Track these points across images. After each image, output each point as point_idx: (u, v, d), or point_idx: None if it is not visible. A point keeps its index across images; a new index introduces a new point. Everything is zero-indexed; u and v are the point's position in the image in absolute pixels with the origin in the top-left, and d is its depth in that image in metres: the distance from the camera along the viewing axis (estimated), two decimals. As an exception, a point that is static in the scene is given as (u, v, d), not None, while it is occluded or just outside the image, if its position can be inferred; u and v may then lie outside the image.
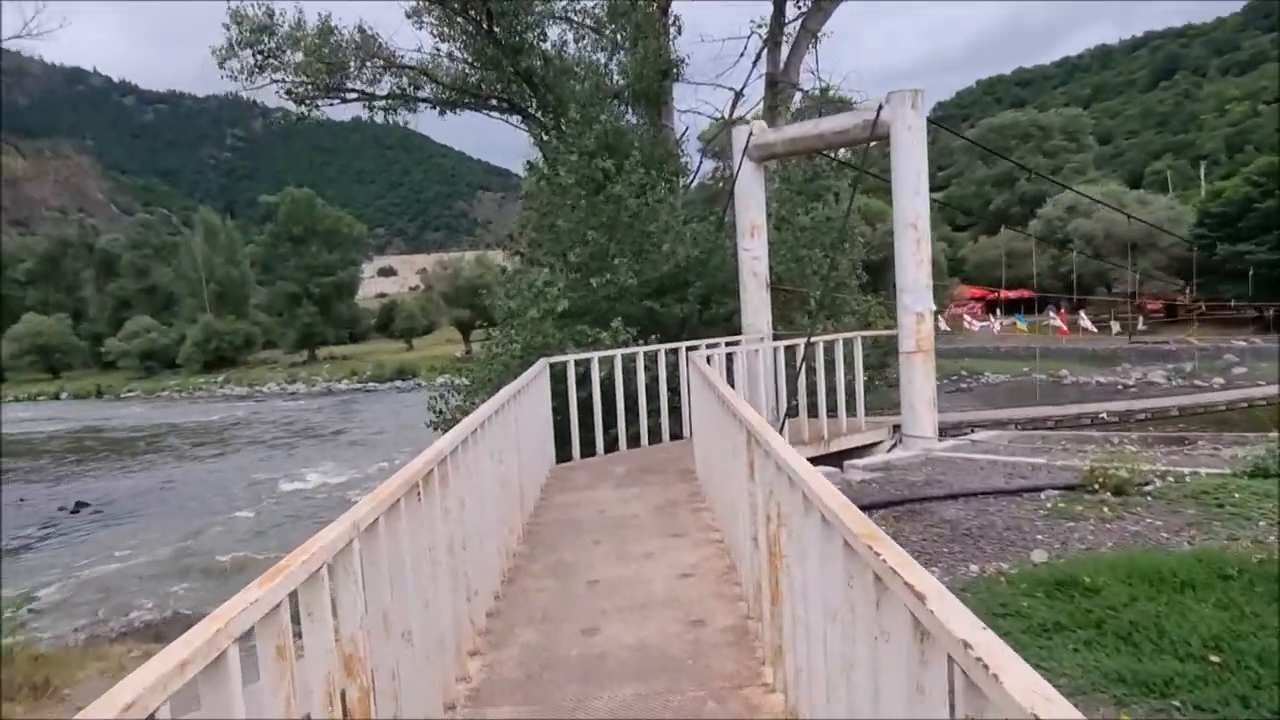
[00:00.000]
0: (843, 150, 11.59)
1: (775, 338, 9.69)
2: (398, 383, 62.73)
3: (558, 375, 8.20)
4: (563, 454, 8.26)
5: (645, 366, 8.71)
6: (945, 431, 8.99)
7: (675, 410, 8.98)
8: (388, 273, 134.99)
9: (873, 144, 9.75)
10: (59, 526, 26.06)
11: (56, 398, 75.46)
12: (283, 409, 54.95)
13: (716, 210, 12.26)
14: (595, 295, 9.99)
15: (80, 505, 28.93)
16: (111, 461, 38.60)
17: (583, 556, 5.13)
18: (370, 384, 64.21)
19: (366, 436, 39.33)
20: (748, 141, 9.34)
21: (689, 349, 9.04)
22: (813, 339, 8.37)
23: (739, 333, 10.77)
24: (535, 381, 6.93)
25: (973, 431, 9.51)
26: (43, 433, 50.88)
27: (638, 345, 9.05)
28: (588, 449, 8.47)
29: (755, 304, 9.63)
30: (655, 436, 8.90)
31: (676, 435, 9.01)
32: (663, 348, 8.84)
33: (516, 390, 5.70)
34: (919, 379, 8.52)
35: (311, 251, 78.21)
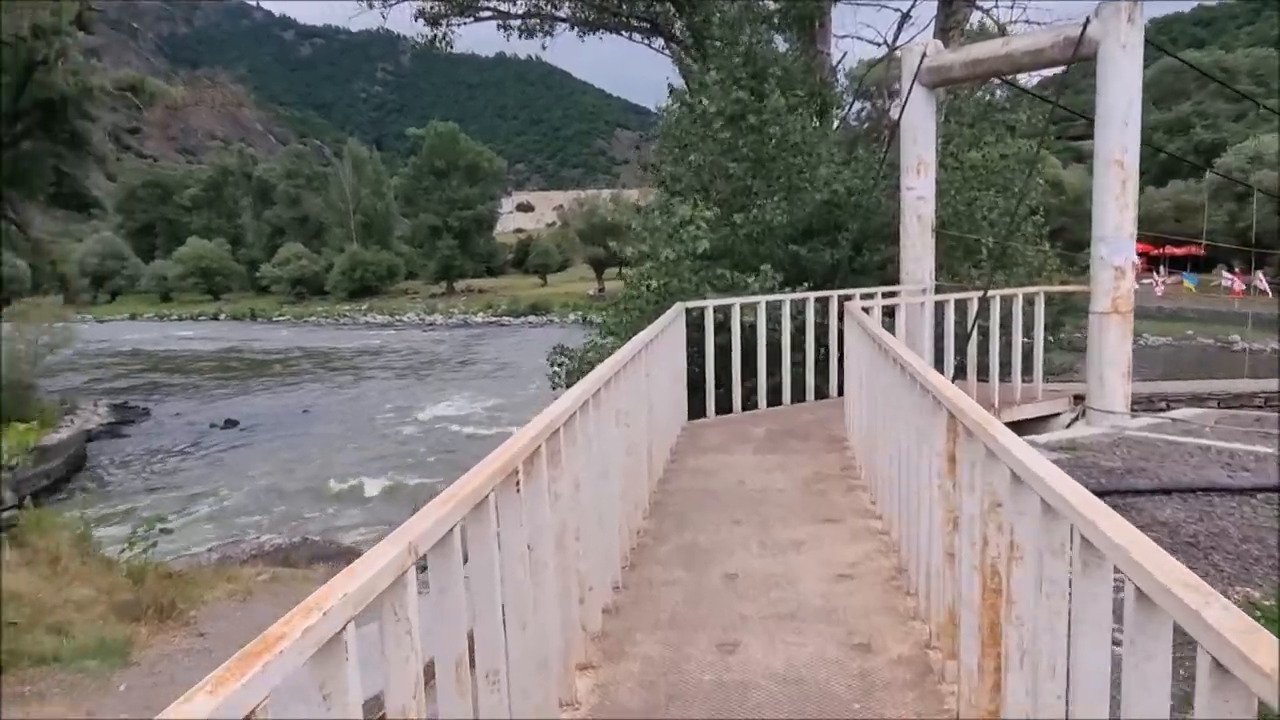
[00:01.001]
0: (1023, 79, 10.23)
1: (937, 290, 8.61)
2: (530, 318, 63.30)
3: (693, 322, 7.43)
4: (695, 409, 7.51)
5: (791, 316, 7.82)
6: (1136, 406, 7.77)
7: (821, 366, 8.07)
8: (525, 208, 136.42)
9: (1062, 70, 8.45)
10: (208, 441, 27.34)
11: (215, 318, 79.74)
12: (419, 339, 56.34)
13: (875, 145, 11.11)
14: (736, 236, 9.10)
15: (230, 422, 30.35)
16: (259, 381, 40.39)
17: (719, 539, 4.38)
18: (504, 318, 64.99)
19: (498, 370, 39.76)
20: (920, 64, 8.16)
21: (841, 298, 8.08)
22: (989, 293, 7.26)
23: (893, 283, 9.68)
24: (670, 328, 6.16)
25: (1168, 408, 8.21)
26: (200, 351, 53.81)
27: (783, 292, 8.14)
28: (723, 405, 7.68)
29: (917, 251, 8.53)
30: (798, 394, 8.02)
31: (822, 394, 8.11)
32: (811, 296, 7.90)
33: (649, 339, 4.95)
34: (1112, 344, 7.30)
35: (453, 185, 79.33)
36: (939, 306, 7.40)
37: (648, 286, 8.49)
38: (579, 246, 76.20)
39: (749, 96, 9.59)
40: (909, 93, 8.25)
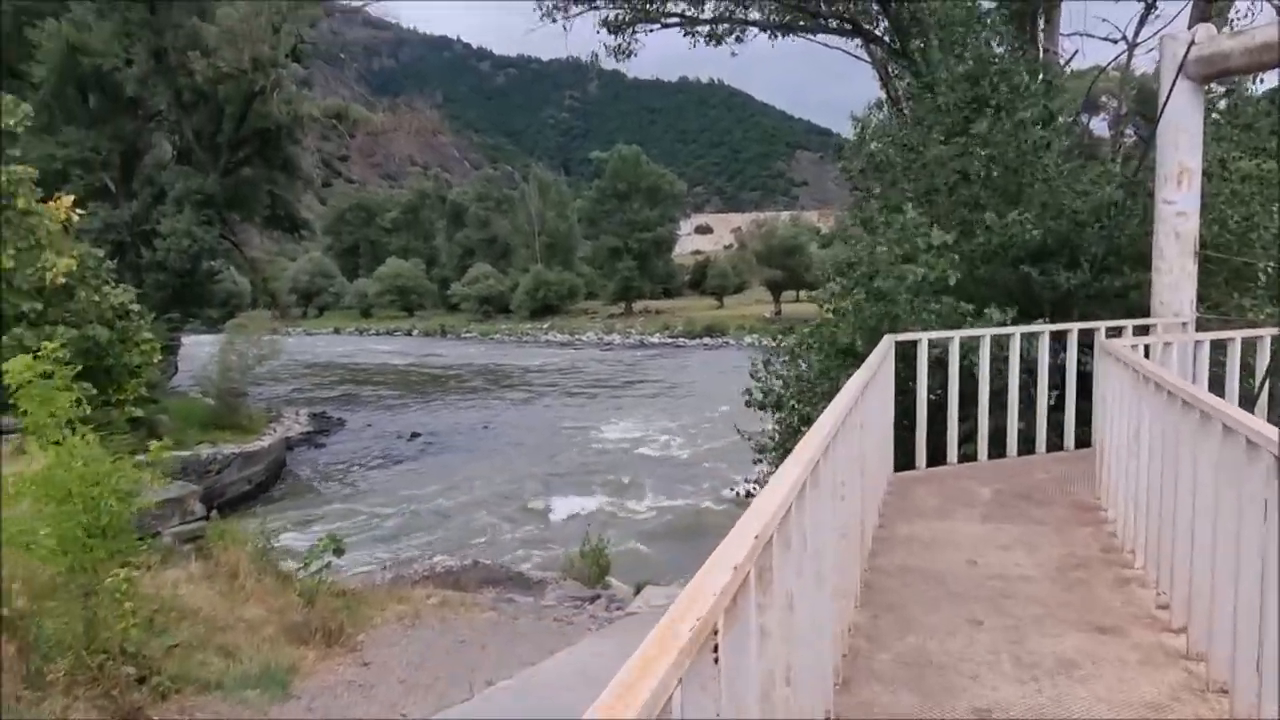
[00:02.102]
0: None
1: (1200, 324, 7.14)
2: (706, 339, 62.88)
3: (901, 357, 6.38)
4: (900, 458, 6.45)
5: (1021, 354, 6.61)
6: None
7: (1054, 412, 6.80)
8: (704, 230, 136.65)
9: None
10: (394, 453, 28.30)
11: (409, 334, 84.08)
12: (597, 358, 56.93)
13: (1119, 154, 9.67)
14: (963, 258, 7.94)
15: (415, 435, 31.40)
16: (444, 395, 41.78)
17: (955, 648, 3.36)
18: (680, 339, 64.92)
19: (674, 391, 39.38)
20: (1186, 53, 6.79)
21: (1083, 333, 6.80)
22: None
23: (1139, 313, 8.22)
24: (881, 368, 5.18)
25: None
26: (393, 365, 56.51)
27: (1013, 325, 6.93)
28: (934, 454, 6.57)
29: (1174, 276, 7.10)
30: (1026, 445, 6.78)
31: (1055, 446, 6.83)
32: (1046, 330, 6.66)
33: (864, 381, 4.01)
34: None
35: (634, 207, 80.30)
36: (1215, 347, 5.97)
37: (853, 311, 7.50)
38: (756, 268, 75.30)
39: (973, 101, 8.45)
40: (1171, 87, 6.88)
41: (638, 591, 13.75)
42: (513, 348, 68.05)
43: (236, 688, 7.72)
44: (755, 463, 10.54)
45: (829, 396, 8.93)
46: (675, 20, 13.68)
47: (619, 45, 14.14)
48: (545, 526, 19.84)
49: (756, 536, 1.63)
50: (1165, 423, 3.60)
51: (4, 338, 11.80)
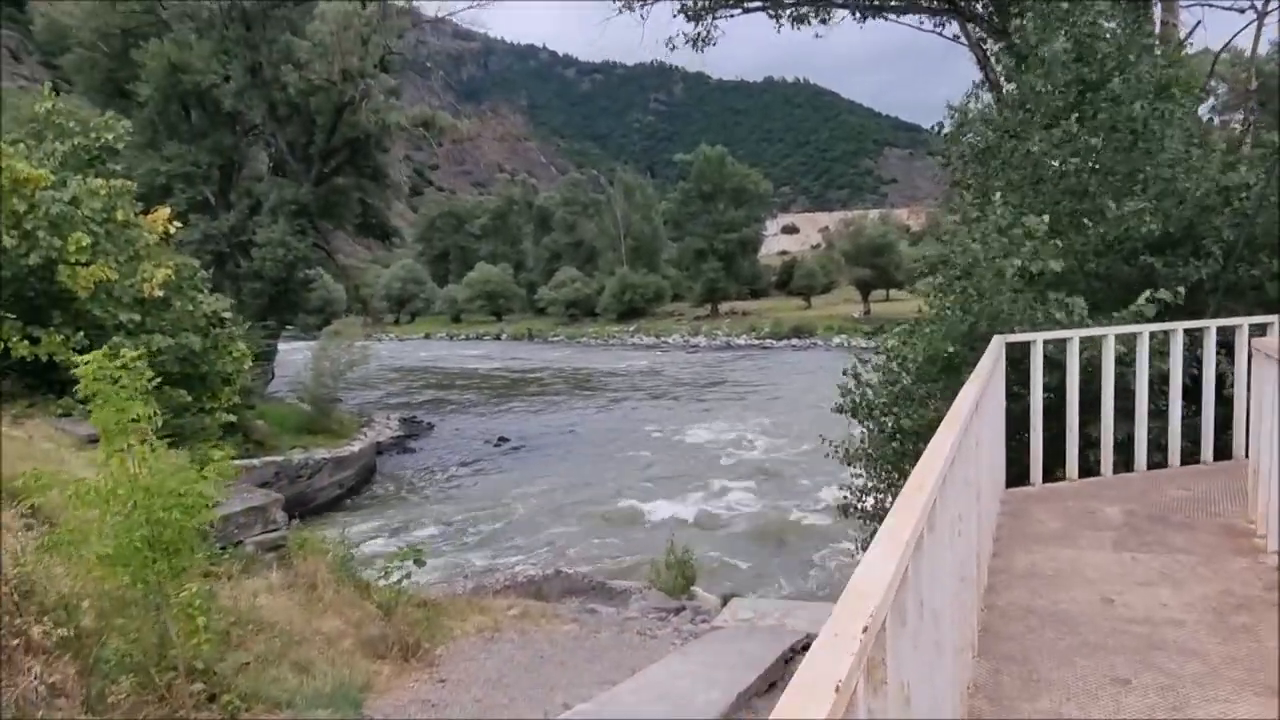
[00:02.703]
0: None
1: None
2: (793, 341, 61.93)
3: (1013, 360, 5.74)
4: (1013, 472, 5.80)
5: (1152, 354, 5.88)
6: None
7: (1188, 420, 6.04)
8: (790, 230, 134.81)
9: None
10: (482, 458, 28.43)
11: (497, 338, 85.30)
12: (683, 360, 56.54)
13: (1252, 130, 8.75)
14: (1072, 250, 7.19)
15: (502, 440, 31.58)
16: (532, 399, 41.99)
17: (1100, 715, 2.78)
18: (767, 340, 64.09)
19: (761, 393, 38.69)
20: (1340, 13, 5.95)
21: (1222, 330, 6.04)
22: None
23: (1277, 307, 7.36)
24: (994, 375, 4.59)
25: None
26: (482, 369, 57.12)
27: (1141, 322, 6.18)
28: (1052, 468, 5.89)
29: (1329, 265, 6.27)
30: (1157, 457, 6.04)
31: (1192, 458, 6.07)
32: (1180, 327, 5.91)
33: (976, 396, 3.45)
34: None
35: (719, 209, 79.71)
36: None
37: (954, 311, 6.86)
38: (844, 268, 73.80)
39: (1080, 81, 7.68)
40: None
41: (724, 603, 13.30)
42: (599, 351, 68.18)
43: (308, 706, 7.50)
44: (849, 465, 9.90)
45: (925, 403, 8.31)
46: (757, 4, 13.04)
47: (698, 34, 13.60)
48: (630, 533, 19.52)
49: (865, 630, 1.14)
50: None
51: (104, 348, 12.03)
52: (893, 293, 67.59)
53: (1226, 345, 6.25)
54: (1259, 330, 6.16)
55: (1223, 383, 6.23)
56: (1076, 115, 7.65)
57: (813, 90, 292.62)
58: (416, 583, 14.73)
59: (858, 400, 8.93)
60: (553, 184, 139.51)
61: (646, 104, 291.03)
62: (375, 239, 48.82)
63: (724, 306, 79.75)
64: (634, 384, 45.99)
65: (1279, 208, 7.34)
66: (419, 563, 12.20)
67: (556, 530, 19.62)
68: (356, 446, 25.94)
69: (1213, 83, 14.36)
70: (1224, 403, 6.20)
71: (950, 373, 7.49)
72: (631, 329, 77.76)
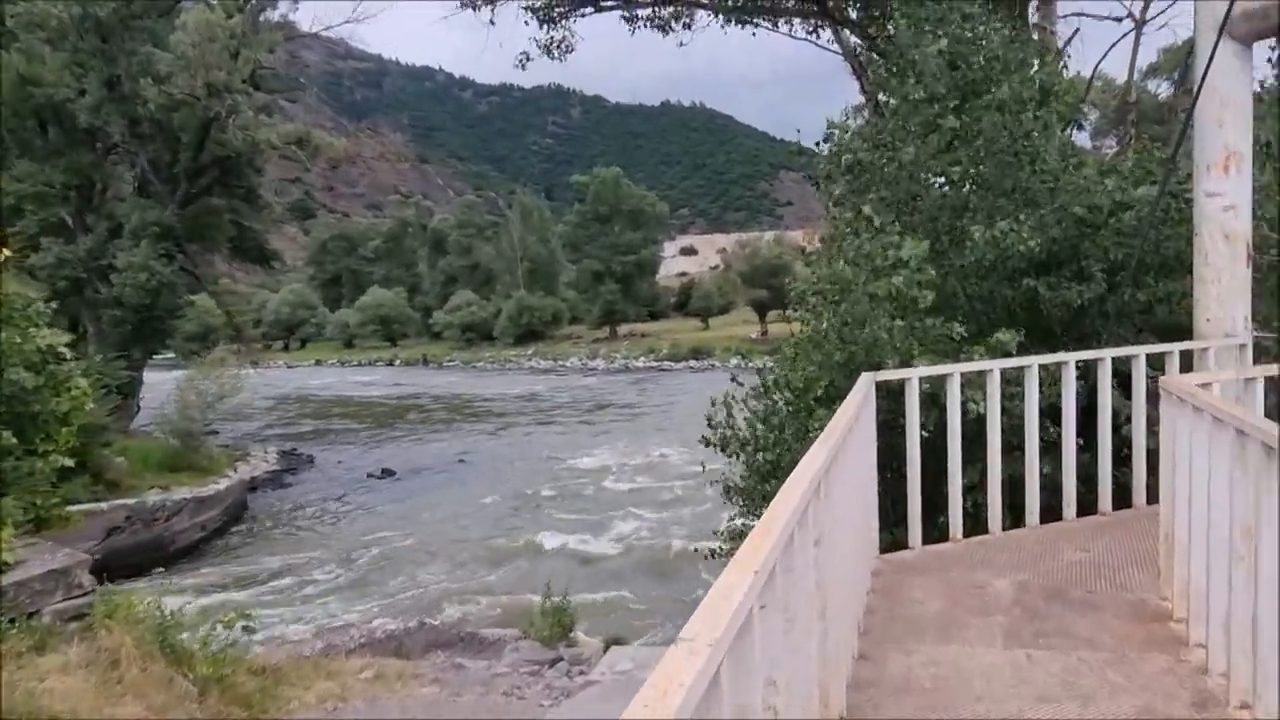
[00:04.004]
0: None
1: (1259, 347, 5.71)
2: (691, 362, 61.90)
3: (886, 397, 4.92)
4: (887, 533, 4.95)
5: (1042, 388, 5.12)
6: None
7: (1084, 463, 5.31)
8: (689, 252, 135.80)
9: None
10: (363, 493, 26.91)
11: (391, 364, 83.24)
12: (580, 385, 55.79)
13: (1152, 141, 8.29)
14: (950, 271, 6.46)
15: (386, 471, 30.13)
16: (421, 428, 40.57)
17: None
18: (665, 362, 64.03)
19: (656, 417, 38.13)
20: (1228, 11, 5.39)
21: (1118, 361, 5.35)
22: None
23: (1171, 331, 6.78)
24: (859, 416, 3.72)
25: None
26: (372, 396, 55.23)
27: (1028, 354, 5.42)
28: (933, 526, 5.05)
29: (1224, 286, 5.64)
30: (1050, 509, 5.26)
31: (1088, 508, 5.33)
32: (1072, 358, 5.18)
33: (830, 453, 2.57)
34: None
35: (616, 231, 79.74)
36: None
37: (835, 336, 6.04)
38: (741, 289, 74.56)
39: (952, 89, 7.03)
40: (1214, 52, 5.48)
41: (605, 649, 12.35)
42: (495, 375, 67.06)
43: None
44: (728, 500, 9.00)
45: (802, 437, 7.50)
46: (612, 3, 12.18)
47: (552, 40, 12.66)
48: (516, 569, 18.41)
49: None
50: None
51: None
52: (789, 313, 68.16)
53: (1121, 376, 5.58)
54: (1156, 360, 5.51)
55: (1119, 418, 5.55)
56: (954, 124, 6.98)
57: (709, 114, 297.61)
58: (259, 643, 13.23)
59: (728, 434, 8.05)
60: (449, 206, 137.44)
61: (544, 127, 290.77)
62: (253, 263, 46.47)
63: (622, 328, 79.66)
64: (529, 409, 45.01)
65: (1168, 224, 6.77)
66: (248, 629, 10.79)
67: (436, 569, 18.37)
68: (224, 484, 24.26)
69: (1085, 107, 14.21)
70: (1122, 441, 5.51)
71: (828, 405, 6.70)
72: (529, 352, 76.97)
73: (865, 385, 4.22)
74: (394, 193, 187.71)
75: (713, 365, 58.67)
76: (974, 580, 4.22)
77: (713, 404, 8.03)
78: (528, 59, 12.88)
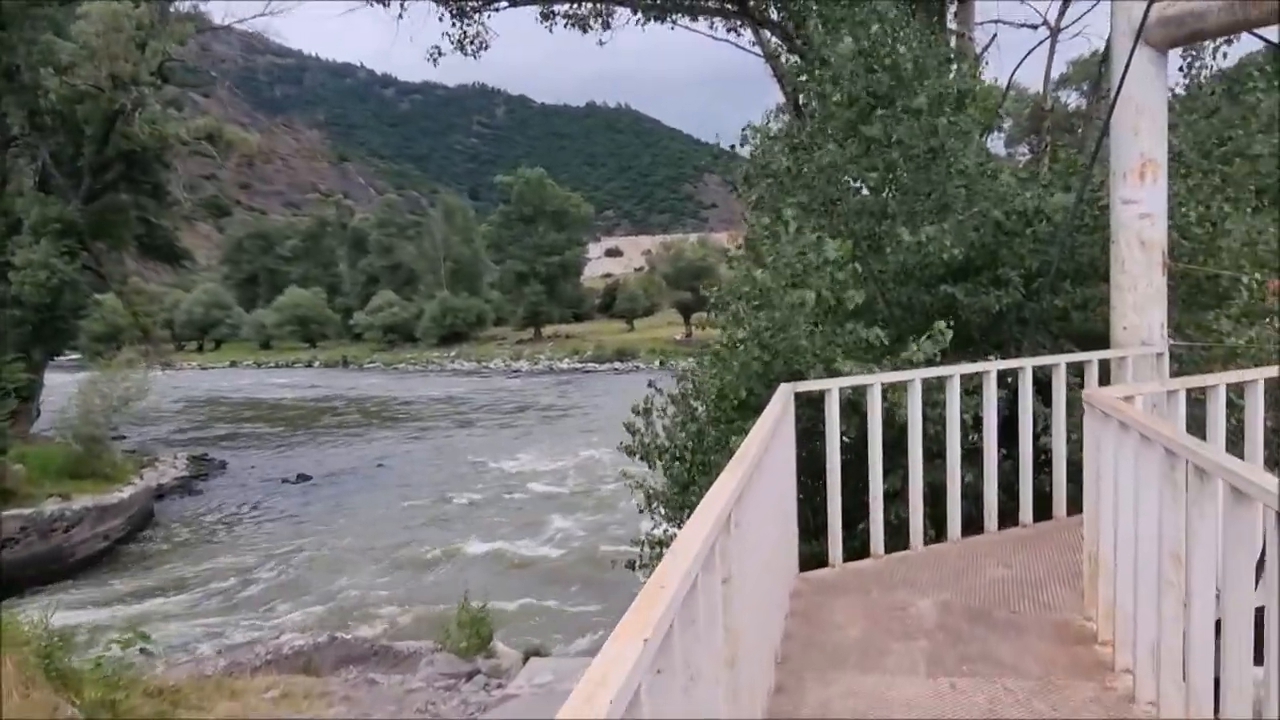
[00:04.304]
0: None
1: (1174, 355, 5.70)
2: (616, 364, 61.83)
3: (805, 408, 4.75)
4: (807, 550, 4.77)
5: (963, 396, 5.00)
6: None
7: (1006, 473, 5.22)
8: (614, 254, 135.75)
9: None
10: (276, 499, 26.07)
11: (310, 365, 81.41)
12: (504, 386, 55.25)
13: (1067, 148, 8.34)
14: (871, 276, 6.32)
15: (302, 477, 29.29)
16: (338, 431, 39.63)
17: None
18: (590, 364, 63.88)
19: (580, 420, 37.89)
20: (1145, 16, 5.35)
21: (1039, 371, 5.27)
22: None
23: (1087, 338, 6.79)
24: (777, 432, 3.52)
25: None
26: (289, 399, 53.82)
27: (950, 363, 5.30)
28: (854, 543, 4.88)
29: (1140, 294, 5.62)
30: (973, 522, 5.14)
31: (1009, 518, 5.24)
32: (994, 367, 5.07)
33: (746, 473, 2.35)
34: None
35: (540, 231, 79.26)
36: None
37: (755, 344, 5.84)
38: (666, 291, 74.83)
39: (869, 91, 6.91)
40: (1130, 58, 5.45)
41: (525, 660, 12.01)
42: (417, 377, 66.00)
43: None
44: (650, 508, 8.75)
45: (722, 447, 7.31)
46: None
47: (465, 34, 12.25)
48: (436, 577, 17.95)
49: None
50: (1236, 540, 2.07)
51: None
52: (709, 317, 68.65)
53: (1039, 383, 5.51)
54: (1075, 369, 5.45)
55: (1036, 426, 5.47)
56: (874, 133, 6.86)
57: (635, 116, 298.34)
58: (162, 661, 12.52)
59: (648, 442, 7.81)
60: (371, 205, 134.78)
61: (469, 126, 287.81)
62: (162, 261, 44.71)
63: (547, 330, 79.25)
64: (451, 411, 44.34)
65: (1085, 231, 6.77)
66: (145, 650, 10.19)
67: (351, 579, 17.78)
68: (129, 491, 23.30)
69: (1001, 114, 14.40)
70: (1041, 451, 5.43)
71: (749, 414, 6.51)
72: (452, 354, 76.06)
73: (783, 398, 4.02)
74: (313, 191, 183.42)
75: (637, 367, 58.66)
76: (896, 600, 4.05)
77: (634, 412, 7.80)
78: (439, 53, 12.48)
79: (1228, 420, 4.05)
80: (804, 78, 7.55)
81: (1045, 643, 3.49)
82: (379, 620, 15.82)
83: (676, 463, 7.46)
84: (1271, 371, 3.98)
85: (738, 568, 2.28)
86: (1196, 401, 3.93)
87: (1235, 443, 3.98)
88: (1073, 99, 22.23)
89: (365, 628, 15.49)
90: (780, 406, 3.84)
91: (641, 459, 8.04)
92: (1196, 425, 3.86)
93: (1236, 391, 3.89)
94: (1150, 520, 2.80)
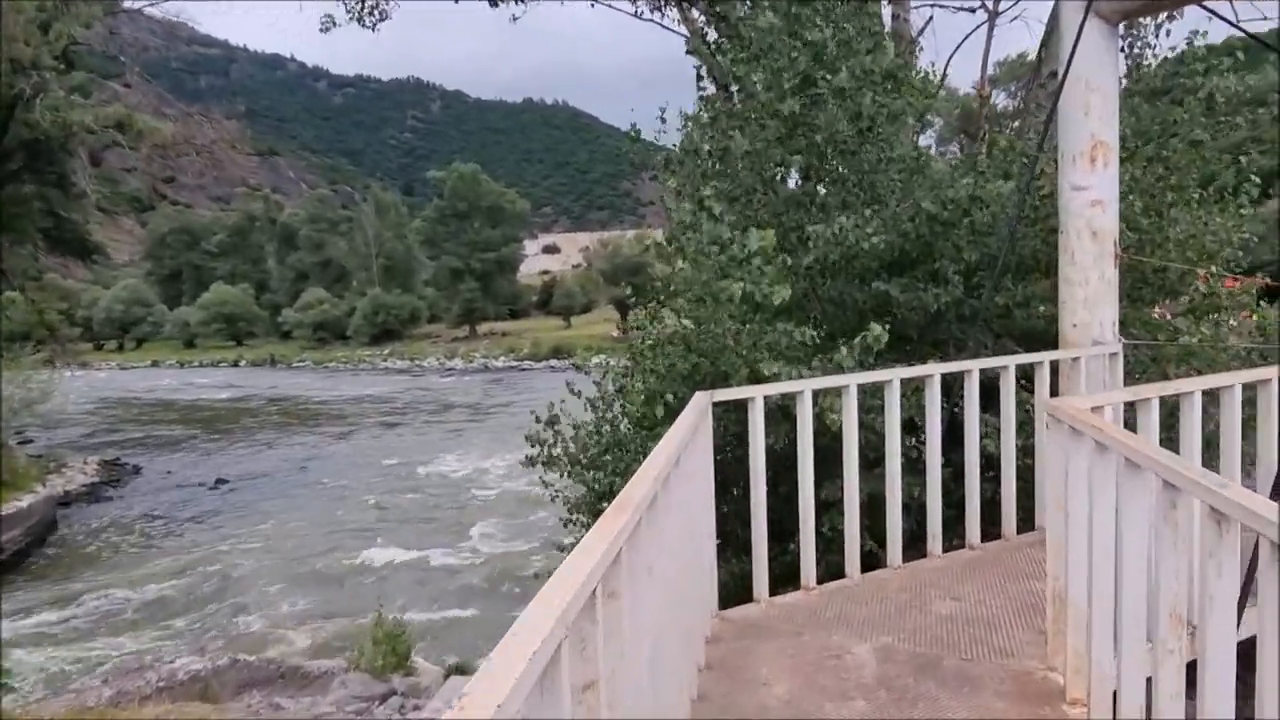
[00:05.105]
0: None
1: (1126, 353, 5.26)
2: (552, 361, 61.05)
3: (725, 417, 4.16)
4: (729, 581, 4.18)
5: (902, 400, 4.44)
6: None
7: (950, 489, 4.68)
8: (552, 250, 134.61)
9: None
10: (191, 506, 24.87)
11: (236, 364, 79.28)
12: (437, 385, 54.17)
13: (1008, 135, 7.90)
14: (797, 271, 5.75)
15: (220, 481, 28.09)
16: (262, 433, 38.35)
17: None
18: (525, 362, 63.03)
19: (515, 419, 37.02)
20: (1095, -15, 4.86)
21: (987, 374, 4.75)
22: None
23: (1031, 337, 6.35)
24: (691, 448, 2.93)
25: None
26: (212, 400, 52.07)
27: (888, 366, 4.75)
28: (782, 573, 4.28)
29: (1091, 288, 5.14)
30: (914, 544, 4.57)
31: (956, 540, 4.69)
32: (938, 371, 4.52)
33: (642, 503, 1.76)
34: None
35: (475, 227, 78.12)
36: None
37: (680, 343, 5.26)
38: (603, 287, 74.20)
39: (791, 71, 6.37)
40: (1080, 32, 4.96)
41: (446, 677, 11.31)
42: (347, 376, 64.41)
43: None
44: (571, 518, 8.12)
45: (641, 455, 6.71)
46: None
47: (364, 4, 11.48)
48: (354, 590, 17.01)
49: None
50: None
51: None
52: (631, 315, 68.45)
53: (985, 387, 5.01)
54: (1024, 372, 4.96)
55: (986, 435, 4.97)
56: (793, 108, 6.29)
57: (572, 112, 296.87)
58: (34, 694, 11.68)
59: (555, 453, 7.16)
60: (302, 200, 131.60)
61: (403, 121, 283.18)
62: (72, 256, 42.74)
63: (483, 327, 78.11)
64: (381, 412, 43.18)
65: (1021, 223, 6.31)
66: (5, 687, 9.26)
67: (266, 592, 16.81)
68: (28, 500, 22.02)
69: (929, 116, 14.04)
70: (989, 463, 4.92)
71: (672, 420, 5.92)
72: (385, 352, 74.50)
73: (698, 409, 3.42)
74: (241, 185, 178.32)
75: (580, 368, 58.11)
76: (831, 645, 3.46)
77: (535, 420, 7.15)
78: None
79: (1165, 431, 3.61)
80: (727, 57, 6.96)
81: (1005, 700, 2.93)
82: (293, 637, 14.92)
83: (589, 473, 6.83)
84: (1250, 375, 3.50)
85: (618, 660, 1.65)
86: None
87: (1211, 458, 3.49)
88: (1000, 99, 22.16)
89: (276, 646, 14.57)
90: (694, 419, 3.24)
91: (549, 469, 7.40)
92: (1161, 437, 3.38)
93: (1211, 398, 3.41)
94: (1136, 562, 2.26)
